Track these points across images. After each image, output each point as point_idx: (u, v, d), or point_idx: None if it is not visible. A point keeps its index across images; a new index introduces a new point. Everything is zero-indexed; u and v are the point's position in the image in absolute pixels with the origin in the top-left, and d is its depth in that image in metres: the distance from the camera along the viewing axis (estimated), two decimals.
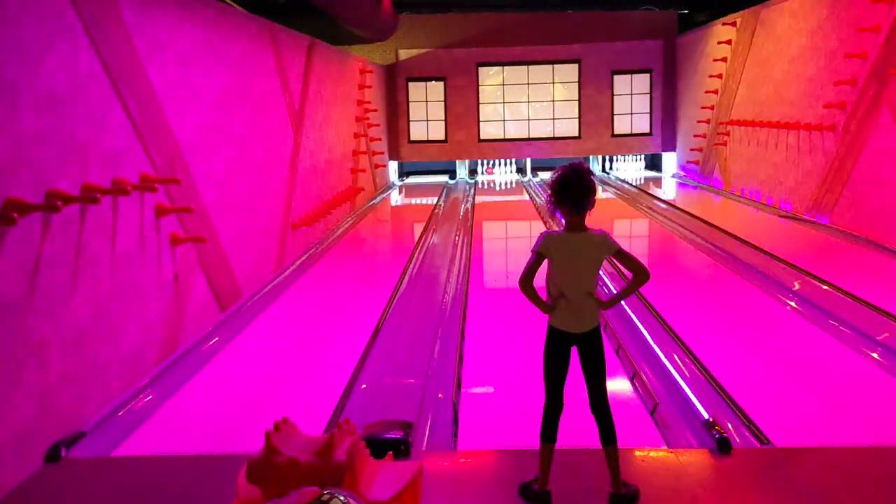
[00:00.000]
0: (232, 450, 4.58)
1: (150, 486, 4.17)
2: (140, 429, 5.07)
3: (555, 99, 21.04)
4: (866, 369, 5.90)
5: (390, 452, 3.97)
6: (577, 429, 4.27)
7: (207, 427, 5.10)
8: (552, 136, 21.11)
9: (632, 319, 6.97)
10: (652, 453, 4.40)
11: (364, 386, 5.65)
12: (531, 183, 19.53)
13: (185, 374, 6.04)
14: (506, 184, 20.46)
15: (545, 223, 12.98)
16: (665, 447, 4.60)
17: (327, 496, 2.51)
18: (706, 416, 4.74)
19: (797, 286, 8.12)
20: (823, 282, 7.97)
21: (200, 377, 6.10)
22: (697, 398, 5.05)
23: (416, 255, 10.42)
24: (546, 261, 3.81)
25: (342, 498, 2.57)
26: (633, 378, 5.74)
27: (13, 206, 4.25)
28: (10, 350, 4.25)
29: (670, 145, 21.04)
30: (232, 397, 5.69)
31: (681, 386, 5.31)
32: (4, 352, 4.20)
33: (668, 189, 18.15)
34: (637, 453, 4.35)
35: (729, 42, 16.43)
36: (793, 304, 7.71)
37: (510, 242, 12.98)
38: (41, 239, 4.58)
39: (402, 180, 21.42)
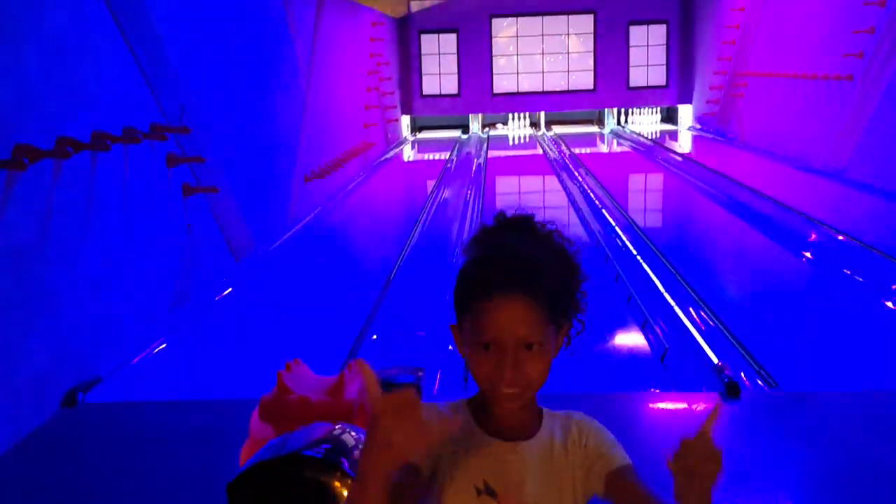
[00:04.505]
0: (245, 395, 4.64)
1: (165, 429, 4.23)
2: (155, 375, 5.13)
3: (569, 51, 20.74)
4: (880, 316, 5.88)
5: None
6: None
7: (221, 373, 5.15)
8: (566, 89, 20.83)
9: (644, 270, 6.95)
10: (661, 398, 4.42)
11: (375, 336, 5.69)
12: (545, 137, 19.38)
13: (198, 323, 6.10)
14: (519, 138, 20.31)
15: (558, 177, 12.83)
16: (674, 391, 4.62)
17: (339, 430, 2.53)
18: (716, 361, 4.75)
19: (813, 236, 8.06)
20: (839, 231, 7.90)
21: (213, 325, 6.15)
22: (708, 344, 5.06)
23: (427, 210, 10.40)
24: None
25: (354, 433, 2.59)
26: (643, 325, 5.75)
27: (23, 151, 4.25)
28: (24, 296, 4.29)
29: (686, 98, 20.76)
30: (245, 345, 5.74)
31: (691, 332, 5.31)
32: (18, 298, 4.24)
33: (685, 142, 17.97)
34: (647, 399, 4.38)
35: None
36: (807, 254, 7.66)
37: (523, 197, 12.93)
38: (52, 185, 4.59)
39: (415, 135, 21.29)
